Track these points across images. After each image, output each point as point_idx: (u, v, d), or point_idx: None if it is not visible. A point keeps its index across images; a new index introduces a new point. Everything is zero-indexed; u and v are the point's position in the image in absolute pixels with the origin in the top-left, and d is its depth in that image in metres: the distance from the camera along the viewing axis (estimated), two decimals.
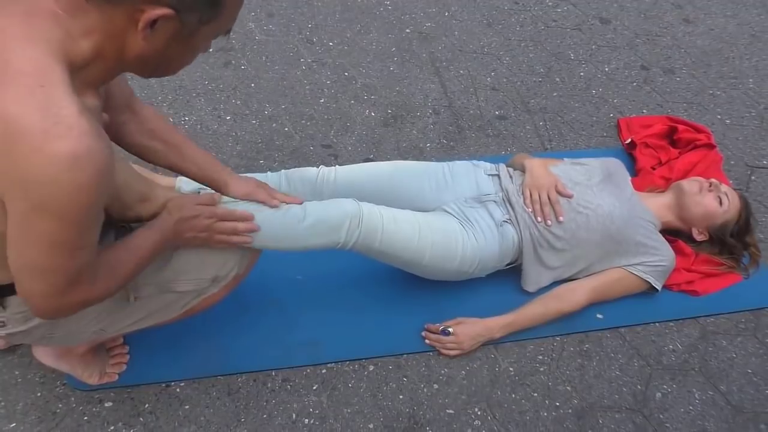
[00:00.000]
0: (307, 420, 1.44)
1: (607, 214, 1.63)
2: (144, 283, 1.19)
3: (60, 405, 1.40)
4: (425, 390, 1.52)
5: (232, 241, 1.27)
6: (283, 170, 1.70)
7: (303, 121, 2.18)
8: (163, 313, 1.25)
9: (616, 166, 1.82)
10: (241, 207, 1.30)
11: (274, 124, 2.15)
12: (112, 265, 1.03)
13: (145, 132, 1.25)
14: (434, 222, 1.54)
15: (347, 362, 1.55)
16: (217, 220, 1.24)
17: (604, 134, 2.30)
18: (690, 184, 1.79)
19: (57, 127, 0.74)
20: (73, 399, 1.42)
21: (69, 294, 0.93)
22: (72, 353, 1.35)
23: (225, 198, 1.33)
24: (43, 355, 1.35)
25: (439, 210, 1.64)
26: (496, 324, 1.60)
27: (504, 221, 1.62)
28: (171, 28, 0.83)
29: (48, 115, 0.74)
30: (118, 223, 1.24)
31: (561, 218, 1.62)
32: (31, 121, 0.73)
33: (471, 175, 1.73)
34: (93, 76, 0.85)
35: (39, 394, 1.41)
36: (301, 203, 1.37)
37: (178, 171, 1.32)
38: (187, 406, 1.43)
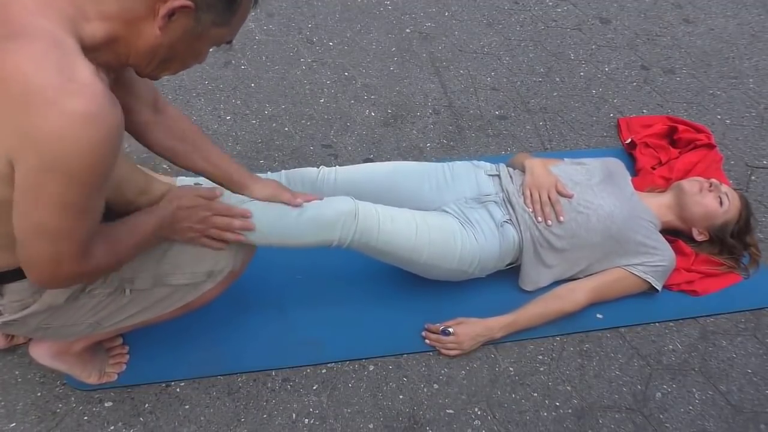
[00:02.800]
0: (307, 420, 1.44)
1: (608, 214, 1.63)
2: (139, 275, 1.19)
3: (60, 405, 1.40)
4: (425, 390, 1.52)
5: (224, 237, 1.26)
6: (283, 170, 1.70)
7: (303, 121, 2.18)
8: (158, 308, 1.25)
9: (617, 165, 1.82)
10: (233, 202, 1.30)
11: (274, 124, 2.15)
12: (110, 240, 1.03)
13: (175, 134, 1.27)
14: (432, 220, 1.54)
15: (347, 362, 1.55)
16: (214, 215, 1.25)
17: (604, 134, 2.30)
18: (690, 184, 1.79)
19: (72, 84, 0.77)
20: (73, 399, 1.42)
21: (69, 262, 0.94)
22: (69, 352, 1.34)
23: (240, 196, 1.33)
24: (40, 355, 1.34)
25: (439, 210, 1.64)
26: (496, 324, 1.60)
27: (504, 221, 1.62)
28: (186, 23, 0.87)
29: (63, 72, 0.77)
30: (117, 216, 1.25)
31: (561, 218, 1.62)
32: (46, 78, 0.76)
33: (471, 176, 1.72)
34: (100, 60, 0.87)
35: (39, 394, 1.41)
36: (321, 200, 1.37)
37: (200, 172, 1.33)
38: (187, 406, 1.43)
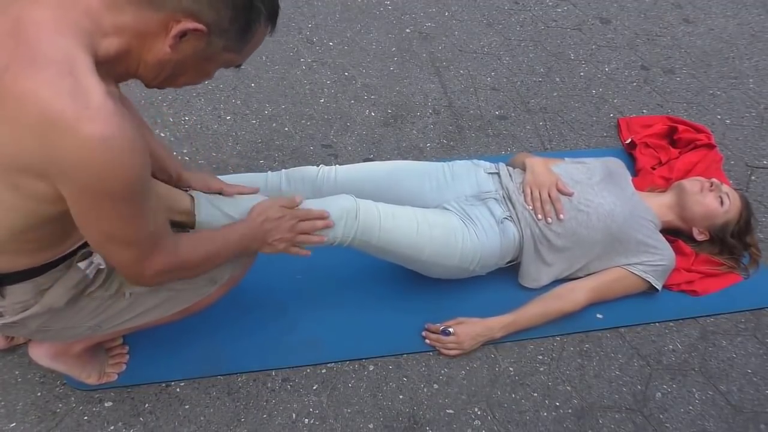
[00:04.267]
0: (307, 420, 1.44)
1: (608, 213, 1.63)
2: None
3: (60, 405, 1.40)
4: (425, 390, 1.52)
5: (312, 241, 1.34)
6: (283, 170, 1.70)
7: (303, 121, 2.18)
8: (158, 312, 1.25)
9: (617, 165, 1.82)
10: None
11: (274, 124, 2.15)
12: (196, 240, 1.10)
13: None
14: (433, 218, 1.54)
15: (347, 362, 1.55)
16: (299, 221, 1.32)
17: (604, 134, 2.30)
18: (691, 184, 1.79)
19: (87, 111, 0.77)
20: (73, 399, 1.42)
21: (150, 261, 0.98)
22: (68, 353, 1.34)
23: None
24: (39, 356, 1.34)
25: (439, 208, 1.64)
26: (496, 324, 1.60)
27: (505, 218, 1.62)
28: (196, 44, 0.88)
29: (78, 99, 0.77)
30: None
31: (562, 216, 1.62)
32: (62, 106, 0.77)
33: (471, 174, 1.73)
34: (113, 72, 0.88)
35: (39, 394, 1.41)
36: (256, 192, 1.40)
37: None
38: (187, 406, 1.43)
